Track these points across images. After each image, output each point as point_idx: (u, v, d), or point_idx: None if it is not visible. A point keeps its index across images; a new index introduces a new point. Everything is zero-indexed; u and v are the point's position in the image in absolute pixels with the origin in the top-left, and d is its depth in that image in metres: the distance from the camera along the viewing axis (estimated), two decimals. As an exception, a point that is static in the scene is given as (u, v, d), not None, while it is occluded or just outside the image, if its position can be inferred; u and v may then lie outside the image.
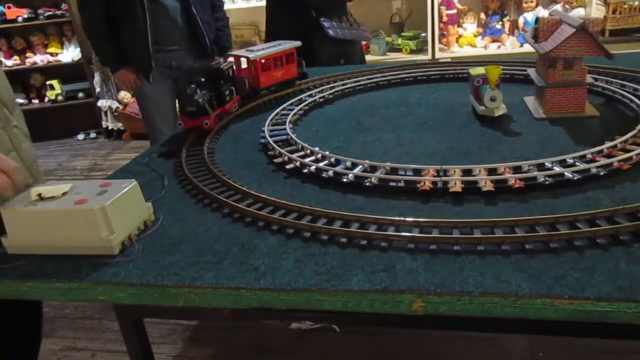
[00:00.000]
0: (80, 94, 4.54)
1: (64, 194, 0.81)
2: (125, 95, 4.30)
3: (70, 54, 4.46)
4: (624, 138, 0.99)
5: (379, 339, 1.80)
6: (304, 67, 1.68)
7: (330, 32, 2.08)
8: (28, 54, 4.45)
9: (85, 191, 0.81)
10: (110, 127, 4.50)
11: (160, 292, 0.72)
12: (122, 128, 4.49)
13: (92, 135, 4.65)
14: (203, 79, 1.32)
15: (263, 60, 1.52)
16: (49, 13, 4.29)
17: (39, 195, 0.80)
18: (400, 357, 1.72)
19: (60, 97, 4.52)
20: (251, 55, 1.50)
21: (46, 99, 4.59)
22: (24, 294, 0.76)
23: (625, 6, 3.21)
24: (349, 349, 1.77)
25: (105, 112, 4.45)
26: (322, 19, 1.98)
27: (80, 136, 4.66)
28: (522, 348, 1.69)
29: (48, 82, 4.51)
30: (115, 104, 4.38)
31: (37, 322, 1.24)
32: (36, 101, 4.62)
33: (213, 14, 2.51)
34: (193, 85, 1.25)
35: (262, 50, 1.54)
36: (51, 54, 4.47)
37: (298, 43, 1.61)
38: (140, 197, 0.86)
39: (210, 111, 1.28)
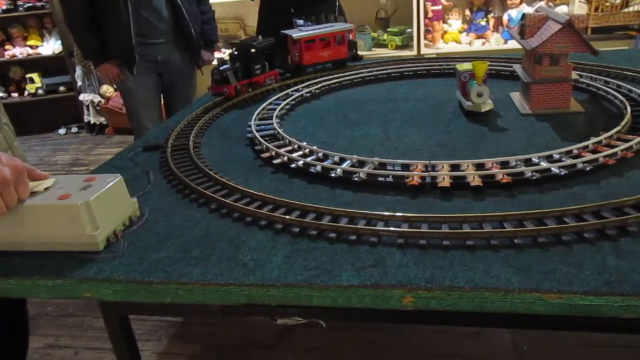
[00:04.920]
0: (62, 88, 4.47)
1: (47, 189, 0.79)
2: (107, 89, 4.24)
3: (50, 46, 4.38)
4: (608, 134, 1.00)
5: (365, 333, 1.80)
6: (357, 49, 1.81)
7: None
8: (7, 47, 4.37)
9: (68, 186, 0.79)
10: (92, 122, 4.44)
11: (147, 288, 0.71)
12: (105, 122, 4.43)
13: (74, 129, 4.58)
14: (237, 53, 1.51)
15: (307, 40, 1.65)
16: (28, 5, 4.21)
17: (21, 190, 0.78)
18: (386, 352, 1.72)
19: (40, 91, 4.45)
20: (295, 35, 1.64)
21: (26, 93, 4.51)
22: (7, 292, 0.75)
23: (607, 4, 3.25)
24: (334, 344, 1.77)
25: (87, 106, 4.38)
26: (295, 19, 2.05)
27: (62, 130, 4.58)
28: (507, 342, 1.71)
29: (28, 76, 4.43)
30: (97, 98, 4.32)
31: (24, 326, 1.21)
32: (16, 95, 4.53)
33: (198, 7, 2.48)
34: (223, 57, 1.44)
35: (310, 30, 1.67)
36: (31, 47, 4.38)
37: (350, 26, 1.75)
38: (125, 192, 0.85)
39: (232, 81, 1.47)
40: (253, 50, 1.53)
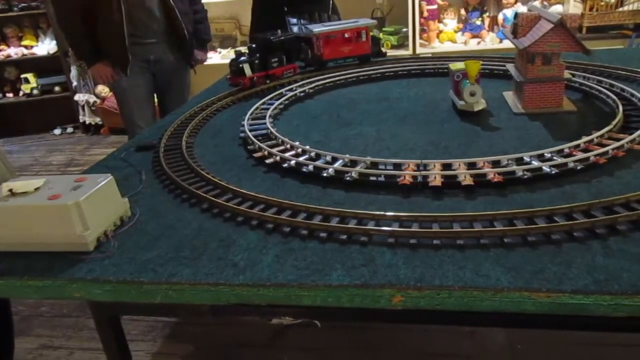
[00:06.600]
0: (57, 88, 4.45)
1: (37, 189, 0.79)
2: (103, 89, 4.22)
3: (45, 46, 4.36)
4: (600, 133, 1.00)
5: (359, 333, 1.80)
6: (381, 46, 1.85)
7: (294, 29, 2.13)
8: (2, 47, 4.34)
9: (59, 186, 0.79)
10: (87, 122, 4.42)
11: (137, 288, 0.71)
12: (100, 122, 4.42)
13: (69, 129, 4.56)
14: (254, 46, 1.60)
15: (327, 35, 1.69)
16: (23, 5, 4.19)
17: (11, 190, 0.78)
18: (381, 351, 1.72)
19: (35, 91, 4.42)
20: (315, 30, 1.68)
21: (21, 93, 4.48)
22: (-4, 292, 0.74)
23: (602, 3, 3.25)
24: (329, 344, 1.77)
25: (83, 106, 4.37)
26: (289, 17, 2.05)
27: (57, 131, 4.56)
28: (501, 341, 1.71)
29: (23, 76, 4.41)
30: (92, 98, 4.30)
31: (7, 329, 1.20)
32: (10, 95, 4.51)
33: (191, 6, 2.47)
34: (240, 50, 1.54)
35: (331, 26, 1.72)
36: (26, 47, 4.36)
37: (373, 22, 1.79)
38: (116, 192, 0.85)
39: (247, 73, 1.55)
40: (269, 44, 1.59)
